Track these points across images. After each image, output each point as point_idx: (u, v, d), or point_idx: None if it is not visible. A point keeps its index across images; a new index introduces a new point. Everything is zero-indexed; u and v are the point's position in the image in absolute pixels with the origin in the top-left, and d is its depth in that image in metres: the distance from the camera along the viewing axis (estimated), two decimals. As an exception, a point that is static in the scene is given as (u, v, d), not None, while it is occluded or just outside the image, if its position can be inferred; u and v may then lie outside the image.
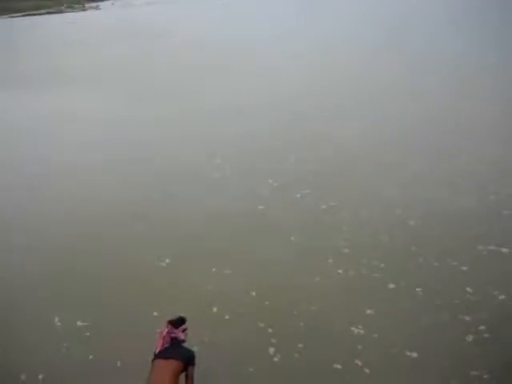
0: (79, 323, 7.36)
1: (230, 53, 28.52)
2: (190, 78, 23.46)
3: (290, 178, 12.03)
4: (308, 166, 12.58)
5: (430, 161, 12.53)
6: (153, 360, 5.70)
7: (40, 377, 6.33)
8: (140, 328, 7.20)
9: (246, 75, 22.89)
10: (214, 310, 7.57)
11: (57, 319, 7.49)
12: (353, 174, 12.12)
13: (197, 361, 5.84)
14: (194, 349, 6.25)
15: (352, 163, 12.69)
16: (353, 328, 7.05)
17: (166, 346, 5.76)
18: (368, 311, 7.38)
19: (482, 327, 6.94)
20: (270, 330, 7.13)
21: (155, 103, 19.10)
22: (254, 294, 7.92)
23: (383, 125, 15.34)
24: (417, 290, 7.82)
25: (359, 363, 6.41)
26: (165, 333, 5.82)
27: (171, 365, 5.55)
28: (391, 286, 7.93)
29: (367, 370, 6.31)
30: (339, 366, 6.39)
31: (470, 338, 6.77)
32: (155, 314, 7.48)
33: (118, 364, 6.46)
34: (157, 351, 5.76)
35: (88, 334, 7.14)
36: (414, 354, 6.50)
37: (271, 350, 6.77)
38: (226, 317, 7.47)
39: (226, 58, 27.40)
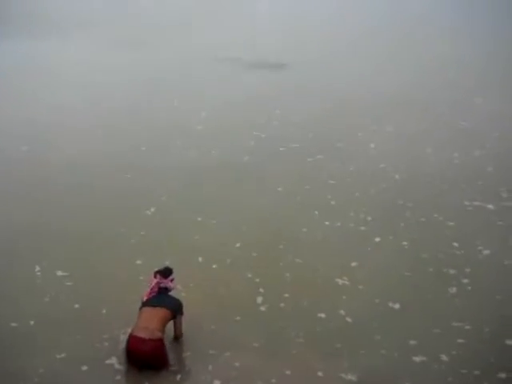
0: (60, 273, 7.29)
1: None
2: (180, 22, 22.63)
3: (277, 130, 11.98)
4: (295, 119, 12.50)
5: (416, 116, 12.58)
6: (140, 308, 5.79)
7: (32, 322, 6.37)
8: (124, 277, 7.17)
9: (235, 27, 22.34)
10: (200, 259, 7.59)
11: (37, 269, 7.39)
12: (340, 127, 12.10)
13: (184, 307, 5.95)
14: (181, 294, 6.37)
15: (339, 117, 12.66)
16: (338, 279, 7.14)
17: (154, 294, 5.85)
18: (353, 263, 7.47)
19: (466, 280, 7.09)
20: (257, 280, 7.18)
21: (144, 49, 18.51)
22: (239, 245, 7.93)
23: (371, 79, 15.25)
24: (403, 243, 7.93)
25: (342, 313, 6.52)
26: (153, 282, 5.90)
27: (159, 312, 5.66)
28: (377, 239, 8.01)
29: (349, 320, 6.42)
30: (323, 315, 6.49)
31: (453, 290, 6.91)
32: (138, 262, 7.49)
33: (104, 311, 6.48)
34: (144, 299, 5.84)
35: (70, 283, 7.10)
36: (397, 306, 6.61)
37: (259, 299, 6.85)
38: (214, 266, 7.50)
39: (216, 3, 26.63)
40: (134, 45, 18.61)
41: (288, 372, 5.69)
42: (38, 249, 7.81)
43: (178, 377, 5.65)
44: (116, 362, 5.73)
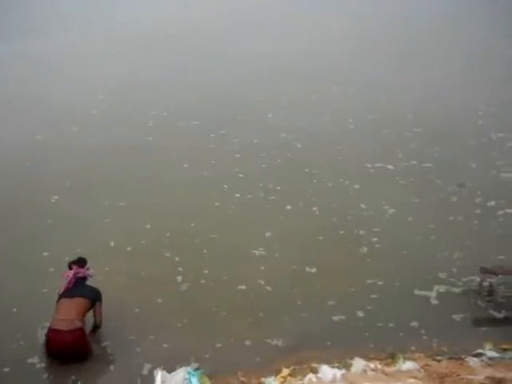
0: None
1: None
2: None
3: (176, 107, 11.99)
4: (194, 95, 12.55)
5: (309, 85, 13.13)
6: (57, 300, 5.73)
7: None
8: (32, 270, 6.97)
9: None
10: (112, 243, 7.55)
11: None
12: (239, 102, 12.34)
13: (102, 294, 5.96)
14: (98, 278, 6.37)
15: (237, 89, 12.89)
16: (254, 251, 7.42)
17: (71, 286, 5.80)
18: (268, 233, 7.78)
19: (375, 239, 7.65)
20: (176, 259, 7.28)
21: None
22: (149, 226, 7.96)
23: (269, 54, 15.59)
24: (313, 209, 8.35)
25: (262, 282, 6.82)
26: (71, 274, 5.84)
27: (77, 302, 5.65)
28: (288, 207, 8.38)
29: (269, 288, 6.75)
30: (243, 287, 6.76)
31: (364, 249, 7.44)
32: (45, 254, 7.32)
33: (14, 310, 6.29)
34: (61, 292, 5.79)
35: None
36: (313, 270, 7.03)
37: (179, 278, 6.96)
38: (128, 248, 7.48)
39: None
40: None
41: (219, 345, 5.92)
42: None
43: (106, 364, 5.69)
44: (37, 360, 5.64)
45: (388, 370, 4.45)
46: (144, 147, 10.27)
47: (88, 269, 6.00)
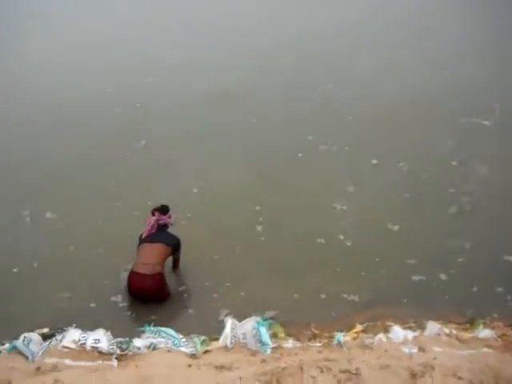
0: (49, 215, 7.36)
1: None
2: None
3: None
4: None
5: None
6: (139, 245, 6.01)
7: (35, 265, 6.57)
8: (117, 213, 7.32)
9: None
10: (195, 190, 7.76)
11: (25, 213, 7.40)
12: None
13: (183, 238, 6.19)
14: (181, 223, 6.65)
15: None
16: (336, 205, 7.35)
17: (153, 232, 6.05)
18: (350, 187, 7.66)
19: (466, 199, 7.33)
20: (257, 208, 7.36)
21: None
22: (232, 175, 8.01)
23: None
24: (400, 164, 8.10)
25: (342, 237, 6.77)
26: (152, 220, 6.07)
27: (158, 247, 5.89)
28: (374, 161, 8.18)
29: (349, 243, 6.69)
30: (322, 241, 6.74)
31: (453, 209, 7.16)
32: (131, 197, 7.58)
33: (100, 251, 6.65)
34: (143, 237, 6.05)
35: (61, 225, 7.19)
36: (396, 227, 6.87)
37: (259, 227, 7.05)
38: (210, 196, 7.62)
39: None
40: None
41: (296, 296, 6.01)
42: (24, 192, 7.83)
43: (184, 307, 5.95)
44: (120, 299, 6.00)
45: (463, 335, 4.30)
46: (245, 96, 10.25)
47: (170, 216, 6.20)
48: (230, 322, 4.66)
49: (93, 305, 5.95)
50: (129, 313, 5.86)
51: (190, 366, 4.11)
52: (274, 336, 4.94)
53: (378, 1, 14.55)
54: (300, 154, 8.47)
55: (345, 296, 5.96)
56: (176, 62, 11.65)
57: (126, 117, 9.69)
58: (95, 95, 10.38)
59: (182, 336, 4.78)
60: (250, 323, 4.61)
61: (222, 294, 6.04)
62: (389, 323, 5.08)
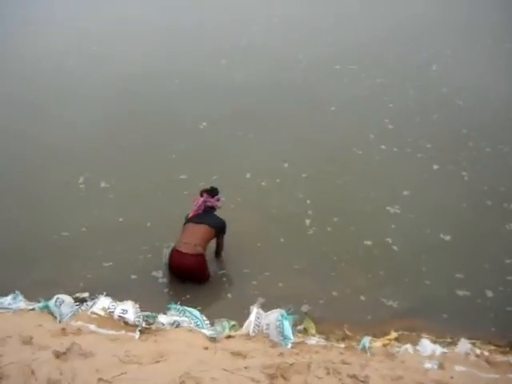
0: (103, 184, 7.59)
1: None
2: None
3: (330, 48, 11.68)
4: (348, 39, 12.09)
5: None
6: (184, 224, 6.10)
7: (83, 229, 6.78)
8: (168, 191, 7.45)
9: None
10: (248, 175, 7.79)
11: (81, 180, 7.68)
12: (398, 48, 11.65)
13: (229, 221, 6.24)
14: (230, 206, 6.78)
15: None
16: (389, 207, 7.19)
17: (199, 212, 6.12)
18: (406, 191, 7.45)
19: (527, 217, 7.00)
20: (308, 202, 7.31)
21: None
22: (287, 165, 8.04)
23: None
24: (462, 173, 7.79)
25: (389, 241, 6.62)
26: (200, 201, 6.15)
27: (202, 229, 5.97)
28: (435, 167, 7.92)
29: (395, 248, 6.54)
30: (369, 242, 6.62)
31: (510, 226, 6.85)
32: (183, 177, 7.74)
33: (148, 225, 6.82)
34: (189, 217, 6.14)
35: (112, 196, 7.41)
36: (448, 237, 6.65)
37: (307, 221, 7.01)
38: (263, 183, 7.67)
39: None
40: None
41: (335, 293, 5.95)
42: (82, 159, 8.12)
43: (222, 291, 6.02)
44: (161, 274, 6.14)
45: (494, 358, 4.12)
46: (294, 83, 10.20)
47: (218, 200, 6.26)
48: (255, 311, 4.69)
49: (133, 277, 6.13)
50: (166, 289, 5.99)
51: (206, 348, 4.18)
52: (304, 331, 4.95)
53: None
54: (360, 152, 8.33)
55: (384, 301, 5.84)
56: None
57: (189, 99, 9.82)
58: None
59: (206, 319, 4.84)
60: (274, 315, 4.62)
61: (261, 283, 6.07)
62: (425, 335, 4.96)
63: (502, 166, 7.98)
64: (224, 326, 4.80)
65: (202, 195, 6.18)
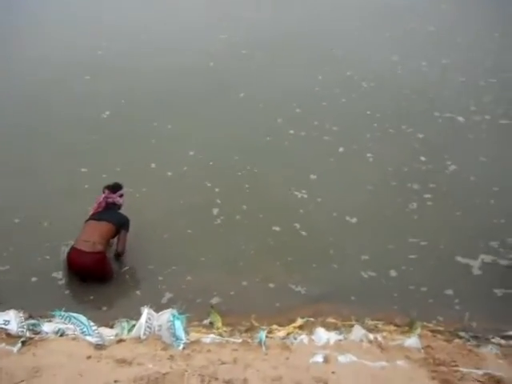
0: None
1: None
2: None
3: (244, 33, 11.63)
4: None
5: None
6: (86, 221, 5.87)
7: None
8: (67, 186, 7.15)
9: None
10: (153, 165, 7.61)
11: None
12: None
13: (134, 212, 6.09)
14: (136, 196, 6.68)
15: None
16: (296, 192, 7.24)
17: (101, 209, 5.92)
18: (313, 175, 7.55)
19: (428, 195, 7.25)
20: (216, 190, 7.24)
21: None
22: (192, 153, 7.93)
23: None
24: (367, 155, 7.99)
25: (297, 226, 6.67)
26: (101, 198, 5.94)
27: (103, 226, 5.76)
28: (341, 149, 8.06)
29: (304, 233, 6.59)
30: (278, 228, 6.64)
31: (413, 205, 7.08)
32: (83, 170, 7.46)
33: (45, 224, 6.52)
34: (91, 213, 5.92)
35: (2, 194, 6.96)
36: (354, 220, 6.79)
37: (215, 210, 6.93)
38: (169, 173, 7.51)
39: None
40: None
41: (244, 283, 5.91)
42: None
43: (126, 289, 5.82)
44: (60, 275, 5.86)
45: (387, 343, 4.24)
46: (204, 71, 10.08)
47: (121, 195, 6.05)
48: (145, 312, 4.55)
49: (34, 279, 5.82)
50: (67, 291, 5.72)
51: (89, 357, 4.00)
52: (210, 325, 4.90)
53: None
54: (268, 138, 8.33)
55: (292, 287, 5.88)
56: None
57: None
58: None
59: (93, 324, 4.66)
60: (165, 315, 4.51)
61: (168, 277, 5.94)
62: (330, 320, 5.04)
63: (405, 146, 8.22)
64: (123, 327, 4.63)
65: (104, 191, 5.96)
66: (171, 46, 10.96)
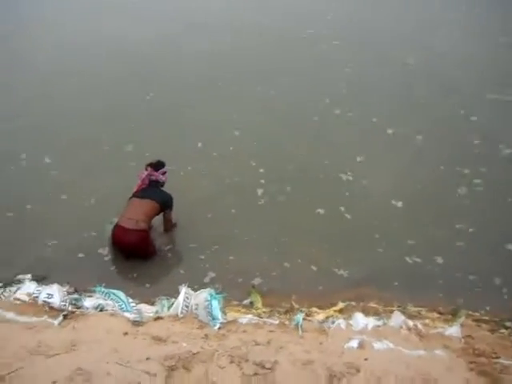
0: (47, 160, 7.41)
1: None
2: None
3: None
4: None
5: None
6: (129, 198, 5.94)
7: (28, 206, 6.60)
8: (113, 163, 7.30)
9: None
10: (199, 145, 7.66)
11: (23, 156, 7.48)
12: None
13: (178, 191, 6.14)
14: (180, 174, 6.78)
15: None
16: (342, 174, 7.15)
17: (144, 187, 5.98)
18: (360, 157, 7.43)
19: (478, 181, 7.04)
20: (261, 170, 7.23)
21: None
22: (238, 133, 7.93)
23: None
24: (417, 137, 7.82)
25: (342, 209, 6.59)
26: (144, 175, 6.00)
27: (146, 204, 5.81)
28: (389, 131, 7.91)
29: (349, 216, 6.51)
30: (322, 211, 6.59)
31: (462, 190, 6.90)
32: (129, 148, 7.58)
33: (92, 201, 6.66)
34: (134, 191, 5.99)
35: (55, 172, 7.21)
36: (400, 204, 6.66)
37: (259, 191, 6.93)
38: (215, 153, 7.54)
39: None
40: None
41: (286, 265, 5.90)
42: (24, 132, 7.89)
43: (170, 266, 5.90)
44: (106, 252, 5.99)
45: (427, 331, 4.14)
46: (254, 52, 9.99)
47: (164, 173, 6.08)
48: (183, 291, 4.60)
49: (80, 255, 5.97)
50: (113, 267, 5.85)
51: (126, 333, 4.07)
52: (250, 304, 4.94)
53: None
54: (315, 118, 8.24)
55: (335, 270, 5.83)
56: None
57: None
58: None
59: (132, 301, 4.75)
60: (203, 294, 4.54)
61: (210, 257, 5.97)
62: (372, 304, 4.98)
63: (457, 129, 8.00)
64: (163, 305, 4.71)
65: (146, 169, 6.01)
66: (221, 26, 10.92)
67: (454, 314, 4.79)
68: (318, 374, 3.45)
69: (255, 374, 3.35)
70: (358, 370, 3.44)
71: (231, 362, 3.46)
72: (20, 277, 5.40)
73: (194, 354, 3.52)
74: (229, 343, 3.81)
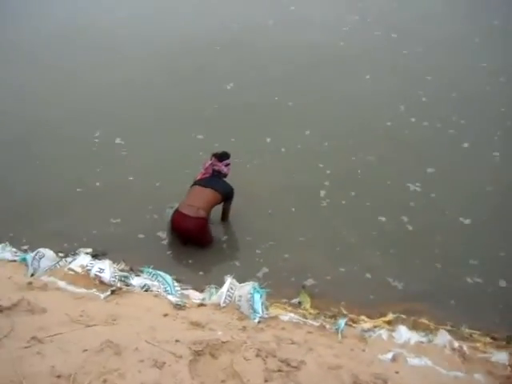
0: (118, 141, 7.64)
1: None
2: None
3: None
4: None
5: None
6: (191, 186, 6.05)
7: (97, 184, 6.90)
8: (183, 151, 7.44)
9: None
10: (268, 140, 7.68)
11: (97, 134, 7.78)
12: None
13: (242, 183, 6.23)
14: (246, 166, 6.89)
15: None
16: (409, 184, 6.96)
17: (207, 176, 6.07)
18: (431, 169, 7.20)
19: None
20: (327, 172, 7.16)
21: None
22: (308, 132, 7.88)
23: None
24: (494, 154, 7.47)
25: (405, 219, 6.43)
26: (208, 164, 6.09)
27: (207, 192, 5.90)
28: (465, 144, 7.63)
29: (410, 227, 6.35)
30: (383, 219, 6.46)
31: (535, 213, 6.55)
32: (199, 137, 7.70)
33: (157, 184, 6.85)
34: (197, 178, 6.10)
35: (125, 153, 7.45)
36: (467, 221, 6.41)
37: (322, 192, 6.87)
38: (283, 149, 7.54)
39: None
40: None
41: (342, 269, 5.84)
42: (99, 115, 8.20)
43: (225, 257, 5.99)
44: (165, 235, 6.17)
45: (472, 354, 3.96)
46: (333, 51, 9.90)
47: (227, 165, 6.14)
48: (228, 282, 4.65)
49: (140, 236, 6.17)
50: (169, 251, 6.01)
51: (166, 315, 4.16)
52: (298, 304, 4.92)
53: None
54: (388, 123, 8.08)
55: (390, 281, 5.70)
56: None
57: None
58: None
59: (177, 285, 4.84)
60: (247, 287, 4.58)
61: (265, 252, 6.00)
62: (423, 320, 4.84)
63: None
64: (211, 293, 4.79)
65: (211, 158, 6.11)
66: (301, 21, 10.86)
67: (509, 342, 4.57)
68: (342, 380, 3.39)
69: (279, 370, 3.34)
70: (386, 382, 3.35)
71: (257, 355, 3.46)
72: (81, 249, 5.67)
73: (224, 342, 3.56)
74: (261, 337, 3.82)
